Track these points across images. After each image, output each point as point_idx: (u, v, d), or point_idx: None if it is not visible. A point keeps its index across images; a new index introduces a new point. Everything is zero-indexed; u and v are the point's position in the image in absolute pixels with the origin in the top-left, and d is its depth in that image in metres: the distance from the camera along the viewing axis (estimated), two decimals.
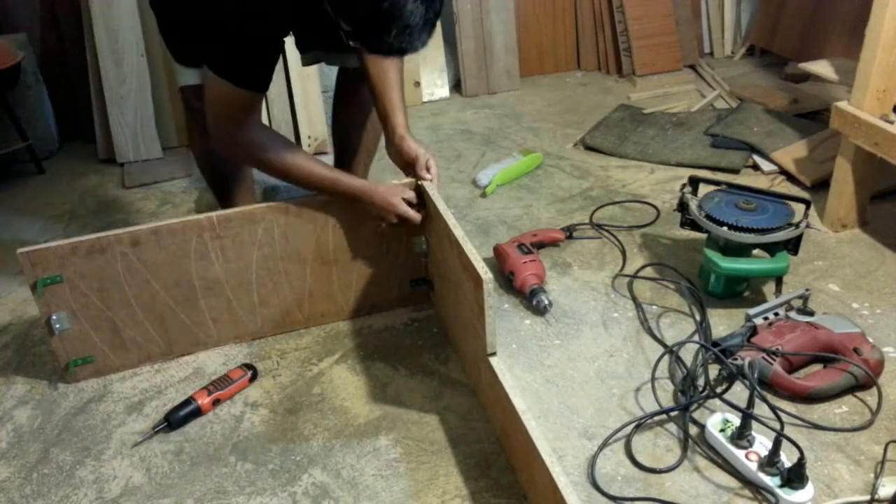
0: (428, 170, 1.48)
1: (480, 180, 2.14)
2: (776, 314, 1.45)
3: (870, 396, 1.31)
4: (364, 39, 1.23)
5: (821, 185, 1.95)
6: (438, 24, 2.91)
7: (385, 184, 1.47)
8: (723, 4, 3.03)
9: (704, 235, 1.60)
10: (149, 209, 2.14)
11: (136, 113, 2.37)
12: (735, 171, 2.12)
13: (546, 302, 1.56)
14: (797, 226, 1.52)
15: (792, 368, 1.35)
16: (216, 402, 1.38)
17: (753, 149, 2.18)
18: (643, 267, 1.71)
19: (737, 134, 2.25)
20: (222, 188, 1.76)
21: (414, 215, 1.46)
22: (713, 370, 1.38)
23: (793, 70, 2.69)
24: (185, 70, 1.56)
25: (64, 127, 2.55)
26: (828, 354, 1.35)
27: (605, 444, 1.25)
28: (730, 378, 1.33)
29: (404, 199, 1.45)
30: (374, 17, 1.13)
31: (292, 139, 2.44)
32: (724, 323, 1.52)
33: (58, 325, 1.40)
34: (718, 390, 1.32)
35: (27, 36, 2.41)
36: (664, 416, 1.30)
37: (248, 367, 1.45)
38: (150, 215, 2.10)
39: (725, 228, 1.53)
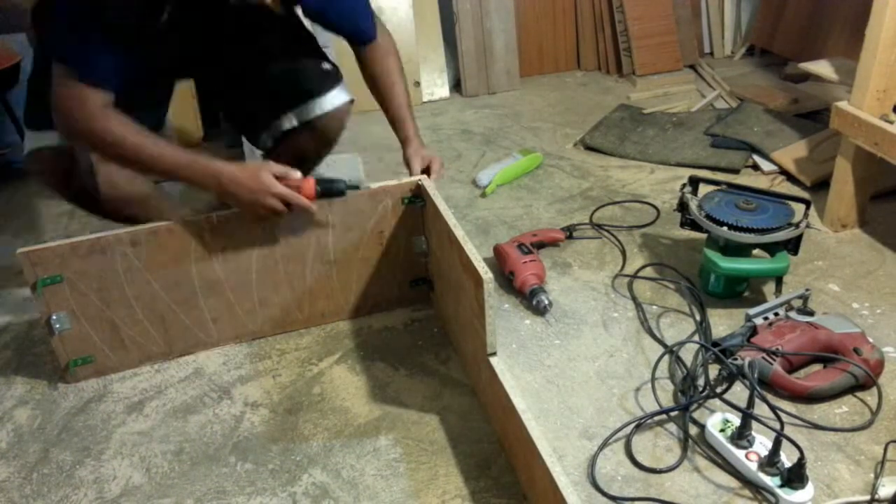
0: (434, 171, 1.52)
1: (480, 180, 2.15)
2: (776, 314, 1.45)
3: (870, 396, 1.31)
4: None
5: (821, 185, 1.95)
6: (438, 24, 2.91)
7: (249, 163, 1.37)
8: (723, 4, 3.04)
9: (704, 235, 1.60)
10: None
11: None
12: (735, 171, 2.12)
13: (546, 302, 1.56)
14: (797, 226, 1.52)
15: (792, 368, 1.35)
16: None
17: (753, 149, 2.18)
18: (643, 267, 1.71)
19: (737, 134, 2.25)
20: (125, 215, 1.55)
21: (291, 195, 1.33)
22: (713, 370, 1.38)
23: (793, 70, 2.69)
24: (35, 134, 1.49)
25: None
26: (828, 354, 1.35)
27: (605, 444, 1.25)
28: (730, 378, 1.33)
29: (275, 176, 1.32)
30: None
31: None
32: (724, 323, 1.52)
33: (58, 325, 1.40)
34: (718, 390, 1.32)
35: (27, 36, 2.41)
36: (664, 416, 1.30)
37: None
38: None
39: (725, 228, 1.53)
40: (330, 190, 1.39)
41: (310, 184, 1.36)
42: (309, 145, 1.60)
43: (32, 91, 1.54)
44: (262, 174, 1.31)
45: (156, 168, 1.34)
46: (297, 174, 1.35)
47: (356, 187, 1.44)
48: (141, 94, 1.35)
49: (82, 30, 1.24)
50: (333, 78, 1.56)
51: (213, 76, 1.64)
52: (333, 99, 1.55)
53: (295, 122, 1.56)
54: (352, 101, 1.59)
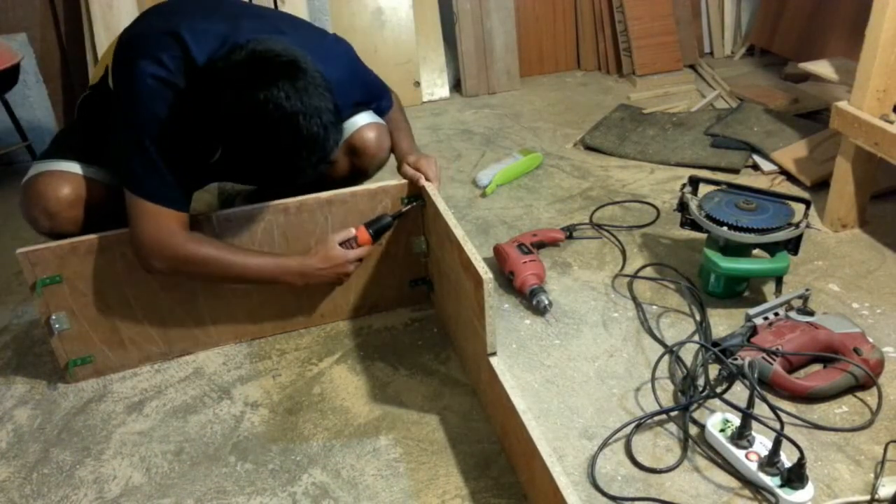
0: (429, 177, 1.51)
1: (480, 180, 2.15)
2: (776, 314, 1.45)
3: (870, 396, 1.31)
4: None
5: (821, 185, 1.95)
6: (438, 24, 2.94)
7: (317, 246, 1.45)
8: (723, 4, 3.04)
9: (704, 235, 1.60)
10: None
11: None
12: (735, 171, 2.12)
13: (546, 302, 1.56)
14: (797, 226, 1.52)
15: (792, 368, 1.35)
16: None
17: (753, 149, 2.18)
18: (643, 267, 1.71)
19: (737, 134, 2.25)
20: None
21: (360, 254, 1.46)
22: (713, 370, 1.37)
23: (793, 70, 2.70)
24: (51, 163, 1.44)
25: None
26: (828, 354, 1.35)
27: (605, 444, 1.25)
28: (730, 378, 1.33)
29: (341, 244, 1.44)
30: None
31: None
32: (724, 323, 1.52)
33: (57, 325, 1.40)
34: (718, 390, 1.32)
35: (27, 36, 2.42)
36: (664, 416, 1.30)
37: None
38: None
39: (725, 228, 1.53)
40: (380, 229, 1.49)
41: (364, 232, 1.47)
42: (351, 166, 1.62)
43: (57, 138, 1.59)
44: (332, 253, 1.43)
45: (246, 278, 1.41)
46: (353, 231, 1.46)
47: (399, 216, 1.50)
48: None
49: (152, 161, 1.28)
50: (364, 107, 1.62)
51: (247, 177, 1.72)
52: (365, 117, 1.60)
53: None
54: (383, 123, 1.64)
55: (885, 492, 1.12)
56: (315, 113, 1.21)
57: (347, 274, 1.47)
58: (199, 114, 1.25)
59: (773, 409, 1.22)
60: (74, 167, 1.43)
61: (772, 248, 1.55)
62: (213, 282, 1.44)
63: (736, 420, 1.22)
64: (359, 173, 1.63)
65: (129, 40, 1.34)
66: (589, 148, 2.34)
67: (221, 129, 1.23)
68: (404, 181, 1.50)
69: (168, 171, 1.30)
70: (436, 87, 2.83)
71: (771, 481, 1.12)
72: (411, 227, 1.54)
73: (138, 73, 1.26)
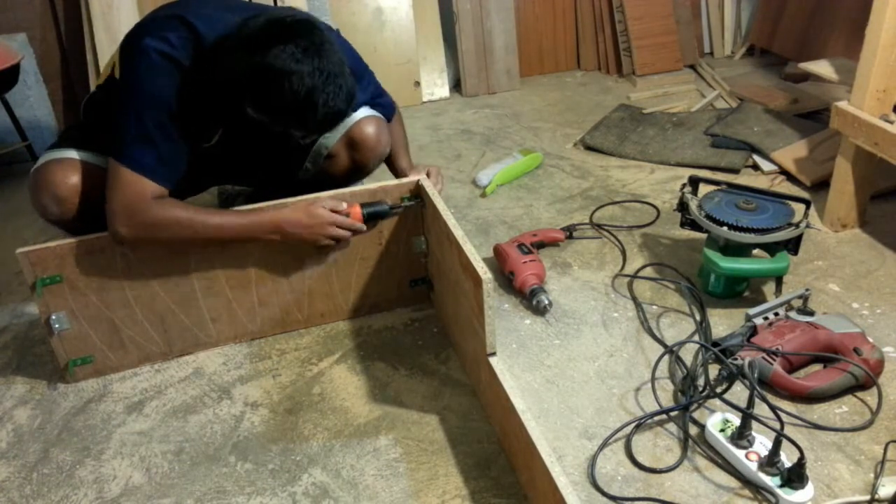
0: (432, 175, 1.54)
1: (480, 180, 2.15)
2: (776, 314, 1.45)
3: (870, 396, 1.31)
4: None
5: (821, 185, 1.95)
6: (438, 24, 2.95)
7: (302, 202, 1.43)
8: (723, 4, 3.04)
9: (704, 235, 1.60)
10: None
11: None
12: (735, 171, 2.12)
13: (546, 302, 1.56)
14: (797, 226, 1.52)
15: (792, 368, 1.35)
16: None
17: (753, 149, 2.18)
18: (643, 267, 1.71)
19: (737, 134, 2.25)
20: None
21: (346, 221, 1.44)
22: (713, 370, 1.37)
23: (793, 70, 2.70)
24: (59, 151, 1.45)
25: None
26: (828, 354, 1.35)
27: (605, 444, 1.24)
28: (730, 378, 1.33)
29: (331, 210, 1.43)
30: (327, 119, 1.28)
31: None
32: (724, 323, 1.52)
33: (57, 325, 1.40)
34: (718, 390, 1.32)
35: (27, 36, 2.42)
36: (664, 416, 1.30)
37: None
38: None
39: (725, 228, 1.53)
40: (376, 213, 1.48)
41: (357, 210, 1.46)
42: (350, 160, 1.61)
43: (65, 132, 1.59)
44: (314, 210, 1.41)
45: (223, 237, 1.40)
46: (344, 204, 1.45)
47: (399, 208, 1.50)
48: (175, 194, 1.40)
49: (146, 133, 1.29)
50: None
51: (246, 174, 1.74)
52: (364, 110, 1.59)
53: (332, 142, 1.59)
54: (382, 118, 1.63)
55: (885, 492, 1.12)
56: (331, 69, 1.23)
57: (327, 237, 1.43)
58: (208, 87, 1.26)
59: (773, 409, 1.22)
60: (83, 156, 1.43)
61: (772, 248, 1.54)
62: (187, 246, 1.41)
63: (736, 420, 1.22)
64: (358, 168, 1.63)
65: (136, 27, 1.35)
66: (589, 148, 2.34)
67: (235, 92, 1.24)
68: (405, 181, 1.50)
69: (161, 145, 1.30)
70: (436, 87, 2.83)
71: (771, 481, 1.12)
72: (411, 227, 1.54)
73: (143, 48, 1.28)
